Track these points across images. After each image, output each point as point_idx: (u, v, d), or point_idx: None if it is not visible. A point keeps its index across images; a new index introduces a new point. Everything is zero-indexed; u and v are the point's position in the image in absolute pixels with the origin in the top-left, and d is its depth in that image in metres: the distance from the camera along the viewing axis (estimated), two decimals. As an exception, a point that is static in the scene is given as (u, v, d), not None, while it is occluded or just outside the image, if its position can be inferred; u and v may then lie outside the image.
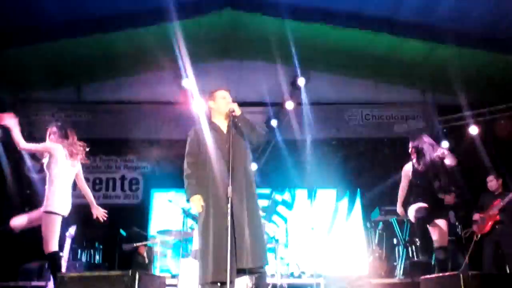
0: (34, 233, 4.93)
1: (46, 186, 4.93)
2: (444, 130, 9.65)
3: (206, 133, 4.16)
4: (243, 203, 3.91)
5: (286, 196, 9.48)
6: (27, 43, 7.62)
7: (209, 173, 4.02)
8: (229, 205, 3.68)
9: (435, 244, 5.27)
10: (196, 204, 3.94)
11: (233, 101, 4.20)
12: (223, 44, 9.31)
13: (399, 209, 5.68)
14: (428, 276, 3.82)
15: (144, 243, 7.45)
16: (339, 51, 8.77)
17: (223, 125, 4.23)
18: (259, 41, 8.87)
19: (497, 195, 6.78)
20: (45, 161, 5.04)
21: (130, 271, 2.67)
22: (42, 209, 4.84)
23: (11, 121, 4.85)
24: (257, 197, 4.13)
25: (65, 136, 5.11)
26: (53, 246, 4.73)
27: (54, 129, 5.12)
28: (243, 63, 9.71)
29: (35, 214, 4.94)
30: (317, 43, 8.59)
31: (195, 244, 6.09)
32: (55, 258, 4.78)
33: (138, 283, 2.64)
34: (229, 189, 3.71)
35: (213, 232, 3.83)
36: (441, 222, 5.31)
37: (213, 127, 4.23)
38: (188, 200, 4.01)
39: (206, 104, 4.41)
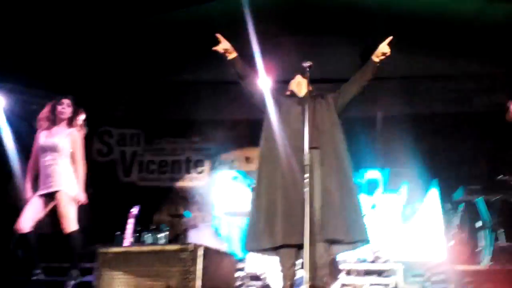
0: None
1: (64, 168, 4.97)
2: (528, 104, 8.89)
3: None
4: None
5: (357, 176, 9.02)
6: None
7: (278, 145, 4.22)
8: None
9: None
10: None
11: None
12: (291, 19, 8.90)
13: None
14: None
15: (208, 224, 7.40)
16: (414, 19, 8.11)
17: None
18: (328, 15, 8.42)
19: None
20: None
21: (193, 245, 2.37)
22: (62, 189, 4.86)
23: None
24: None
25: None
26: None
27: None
28: (311, 38, 9.17)
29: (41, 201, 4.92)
30: (390, 12, 8.02)
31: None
32: (77, 237, 4.85)
33: (204, 260, 2.34)
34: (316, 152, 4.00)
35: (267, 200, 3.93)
36: None
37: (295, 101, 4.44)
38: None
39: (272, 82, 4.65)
